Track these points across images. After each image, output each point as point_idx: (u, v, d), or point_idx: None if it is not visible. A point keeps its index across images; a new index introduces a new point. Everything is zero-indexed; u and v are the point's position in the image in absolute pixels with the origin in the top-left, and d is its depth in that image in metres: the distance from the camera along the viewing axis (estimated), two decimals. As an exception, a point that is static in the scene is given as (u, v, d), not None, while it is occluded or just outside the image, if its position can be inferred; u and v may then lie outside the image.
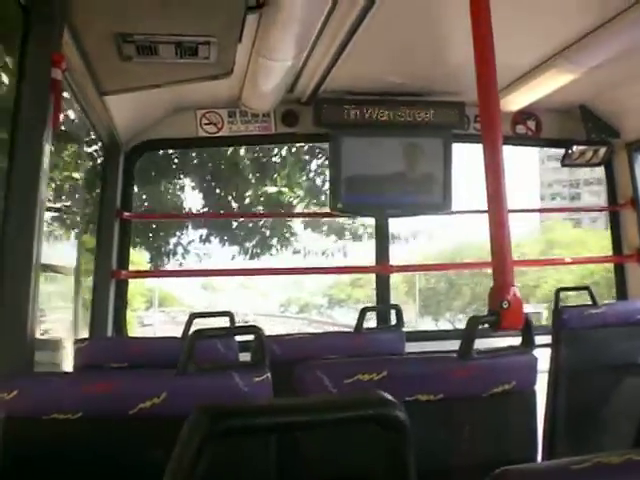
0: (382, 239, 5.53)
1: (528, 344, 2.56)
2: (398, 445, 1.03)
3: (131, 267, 5.29)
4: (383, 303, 5.39)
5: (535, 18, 3.80)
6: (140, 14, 3.22)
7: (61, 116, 3.04)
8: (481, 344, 2.58)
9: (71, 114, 4.69)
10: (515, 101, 5.19)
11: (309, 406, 0.99)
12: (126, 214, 5.11)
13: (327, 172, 5.13)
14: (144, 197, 11.60)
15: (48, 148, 2.88)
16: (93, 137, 4.82)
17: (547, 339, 3.99)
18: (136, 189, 5.24)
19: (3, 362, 2.72)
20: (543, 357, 3.93)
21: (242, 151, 11.60)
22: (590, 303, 4.14)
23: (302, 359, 2.46)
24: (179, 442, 0.94)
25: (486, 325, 2.51)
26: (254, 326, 2.68)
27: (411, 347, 4.08)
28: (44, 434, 2.23)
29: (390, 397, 1.03)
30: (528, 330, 2.55)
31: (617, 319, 4.05)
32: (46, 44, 2.89)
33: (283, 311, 38.44)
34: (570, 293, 4.72)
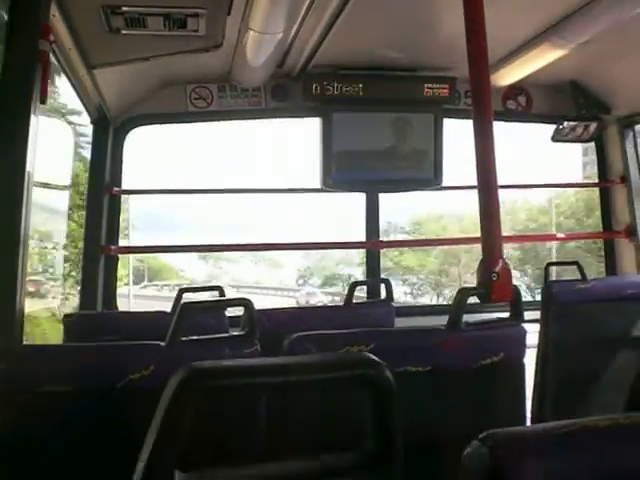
0: (372, 215, 5.52)
1: (517, 316, 2.57)
2: (384, 405, 1.03)
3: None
4: (373, 277, 5.39)
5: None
6: None
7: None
8: (472, 319, 2.60)
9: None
10: (506, 76, 5.17)
11: (295, 367, 0.99)
12: (115, 189, 5.08)
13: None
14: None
15: (36, 120, 2.85)
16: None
17: (537, 315, 4.02)
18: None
19: None
20: (533, 332, 3.98)
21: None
22: (579, 278, 4.16)
23: (291, 332, 2.46)
24: (162, 398, 0.94)
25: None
26: (243, 298, 2.68)
27: (401, 322, 4.09)
28: (34, 407, 2.23)
29: (376, 358, 1.04)
30: (517, 302, 2.56)
31: (606, 294, 4.07)
32: (33, 15, 2.85)
33: (302, 284, 34.46)
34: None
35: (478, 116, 2.64)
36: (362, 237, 5.53)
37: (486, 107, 2.64)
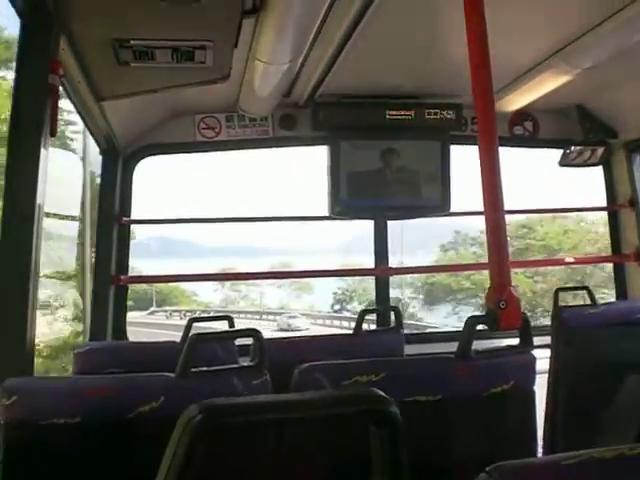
0: (381, 241, 5.53)
1: (526, 343, 2.56)
2: (391, 440, 1.03)
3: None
4: (383, 304, 5.39)
5: (531, 18, 3.80)
6: (136, 19, 3.22)
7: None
8: (482, 345, 2.59)
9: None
10: (512, 102, 5.20)
11: (302, 402, 1.00)
12: (125, 219, 5.11)
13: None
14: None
15: (46, 154, 2.89)
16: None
17: (547, 340, 4.00)
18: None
19: (3, 367, 2.72)
20: (543, 357, 3.96)
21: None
22: (589, 303, 4.14)
23: (301, 361, 2.46)
24: (173, 438, 0.94)
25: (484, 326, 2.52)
26: (253, 329, 2.69)
27: (411, 349, 4.08)
28: (43, 439, 2.23)
29: (382, 393, 1.04)
30: (526, 330, 2.55)
31: (617, 318, 4.05)
32: (43, 50, 2.89)
33: (339, 309, 31.32)
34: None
35: (484, 142, 2.65)
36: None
37: (491, 133, 2.65)
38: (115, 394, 2.29)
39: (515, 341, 2.66)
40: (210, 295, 33.55)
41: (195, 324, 3.88)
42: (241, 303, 34.26)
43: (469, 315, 2.52)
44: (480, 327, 2.56)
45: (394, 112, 5.22)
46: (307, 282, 32.58)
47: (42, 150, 2.86)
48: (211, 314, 26.61)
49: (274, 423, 1.01)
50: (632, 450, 1.12)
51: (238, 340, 3.77)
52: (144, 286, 30.03)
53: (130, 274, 5.30)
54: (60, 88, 3.38)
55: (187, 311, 31.25)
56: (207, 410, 0.96)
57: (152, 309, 32.57)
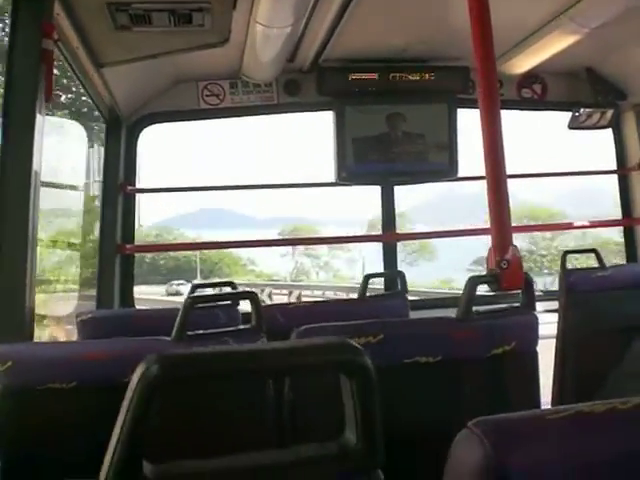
0: (388, 207, 5.49)
1: (528, 304, 2.53)
2: (362, 392, 1.00)
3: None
4: (390, 270, 5.36)
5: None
6: None
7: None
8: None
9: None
10: (520, 64, 5.12)
11: (265, 353, 0.97)
12: (129, 188, 5.09)
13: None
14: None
15: (41, 119, 2.86)
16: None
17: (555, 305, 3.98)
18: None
19: (2, 334, 2.72)
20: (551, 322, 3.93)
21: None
22: (597, 266, 4.10)
23: (304, 325, 2.44)
24: (128, 389, 0.93)
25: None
26: (250, 291, 2.67)
27: (417, 315, 4.05)
28: (39, 404, 2.23)
29: (353, 343, 1.01)
30: (528, 290, 2.53)
31: (625, 282, 4.02)
32: (36, 14, 2.86)
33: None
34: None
35: (485, 106, 2.62)
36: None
37: (493, 96, 2.62)
38: (111, 358, 2.28)
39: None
40: (273, 263, 31.18)
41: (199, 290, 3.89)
42: (321, 275, 31.51)
43: (470, 275, 2.49)
44: (484, 293, 2.55)
45: (400, 75, 5.15)
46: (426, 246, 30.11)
47: (37, 116, 2.83)
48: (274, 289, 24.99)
49: (232, 374, 0.98)
50: (625, 404, 1.09)
51: (244, 308, 3.76)
52: (188, 254, 29.15)
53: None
54: (58, 54, 3.36)
55: (261, 285, 27.80)
56: (162, 361, 0.93)
57: (196, 282, 29.97)
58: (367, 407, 1.02)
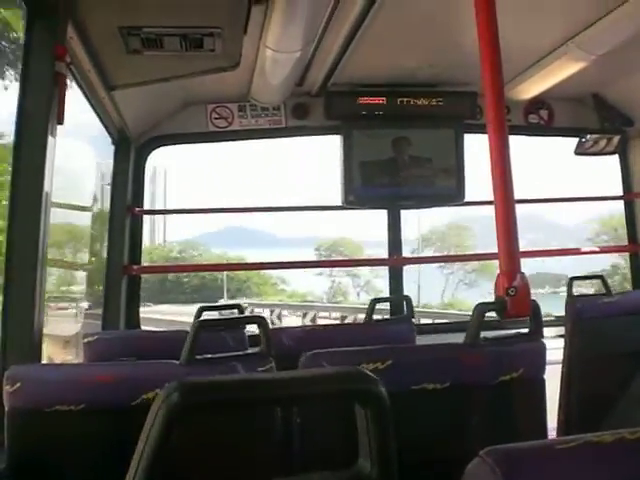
0: (394, 231, 5.50)
1: (536, 331, 2.53)
2: (377, 421, 1.01)
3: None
4: (396, 294, 5.36)
5: (545, 4, 3.76)
6: (144, 6, 3.22)
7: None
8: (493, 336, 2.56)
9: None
10: (527, 90, 5.15)
11: (283, 382, 0.98)
12: (137, 209, 5.11)
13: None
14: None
15: (53, 142, 2.88)
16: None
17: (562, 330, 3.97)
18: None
19: (11, 355, 2.73)
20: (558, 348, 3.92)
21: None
22: (604, 292, 4.10)
23: (310, 350, 2.44)
24: (149, 417, 0.93)
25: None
26: (258, 316, 2.68)
27: (423, 340, 4.05)
28: (48, 426, 2.23)
29: (368, 372, 1.01)
30: (536, 317, 2.52)
31: (632, 308, 4.00)
32: (49, 37, 2.89)
33: None
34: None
35: (493, 131, 2.63)
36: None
37: (501, 121, 2.63)
38: (119, 381, 2.29)
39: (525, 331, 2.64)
40: (308, 282, 29.74)
41: (206, 312, 3.88)
42: (362, 296, 29.59)
43: (478, 302, 2.50)
44: (492, 318, 2.55)
45: (408, 100, 5.18)
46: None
47: (49, 138, 2.85)
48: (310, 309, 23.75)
49: (253, 402, 0.99)
50: (634, 434, 1.09)
51: (251, 331, 3.76)
52: (216, 273, 28.47)
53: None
54: (70, 77, 3.39)
55: (271, 306, 26.67)
56: (183, 388, 0.94)
57: (222, 302, 27.84)
58: (382, 435, 1.02)
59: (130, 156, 5.02)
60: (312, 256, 27.40)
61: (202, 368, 2.36)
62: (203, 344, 2.56)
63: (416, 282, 25.41)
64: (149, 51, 3.53)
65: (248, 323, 3.31)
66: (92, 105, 4.18)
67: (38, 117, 2.84)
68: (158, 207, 31.29)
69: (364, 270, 29.80)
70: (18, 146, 2.84)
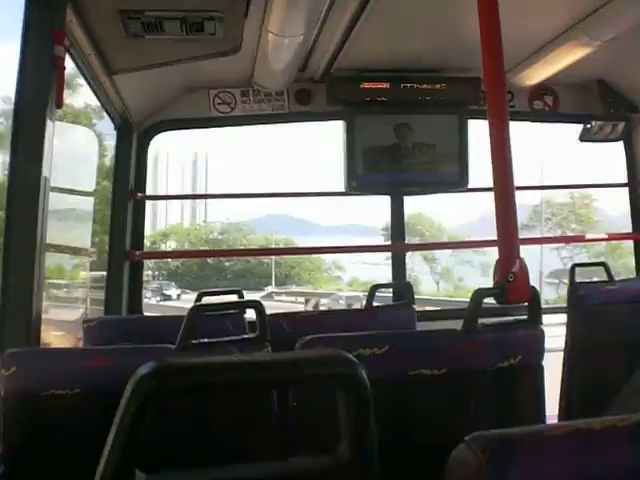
0: (398, 218, 5.48)
1: (535, 318, 2.52)
2: (358, 406, 1.00)
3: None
4: (399, 280, 5.35)
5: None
6: None
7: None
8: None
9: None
10: (531, 76, 5.11)
11: (259, 364, 0.97)
12: (139, 195, 5.10)
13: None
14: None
15: (52, 125, 2.87)
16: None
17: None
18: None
19: (10, 340, 2.73)
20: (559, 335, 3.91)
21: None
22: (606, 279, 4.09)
23: (309, 335, 2.44)
24: (123, 398, 0.92)
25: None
26: (255, 300, 2.68)
27: (423, 326, 4.04)
28: (43, 410, 2.23)
29: (350, 356, 1.00)
30: (535, 303, 2.51)
31: (633, 295, 4.00)
32: (48, 20, 2.87)
33: None
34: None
35: (493, 117, 2.62)
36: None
37: (501, 107, 2.62)
38: (114, 366, 2.29)
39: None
40: (369, 268, 25.26)
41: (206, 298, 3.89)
42: (441, 285, 26.81)
43: (477, 288, 2.49)
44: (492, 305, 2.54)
45: (411, 85, 5.15)
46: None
47: (48, 122, 2.84)
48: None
49: (229, 385, 0.98)
50: (624, 421, 1.08)
51: (250, 317, 3.77)
52: (263, 258, 26.75)
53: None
54: (71, 62, 3.37)
55: (325, 295, 24.71)
56: (156, 371, 0.93)
57: (270, 289, 26.81)
58: (361, 422, 1.01)
59: (132, 141, 5.01)
60: (380, 240, 24.96)
61: (197, 353, 2.36)
62: (202, 330, 2.56)
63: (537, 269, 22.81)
64: (150, 35, 3.51)
65: (245, 308, 3.31)
66: (93, 90, 4.17)
67: (37, 101, 2.83)
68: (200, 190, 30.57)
69: (443, 254, 26.47)
70: (16, 130, 2.83)
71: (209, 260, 26.36)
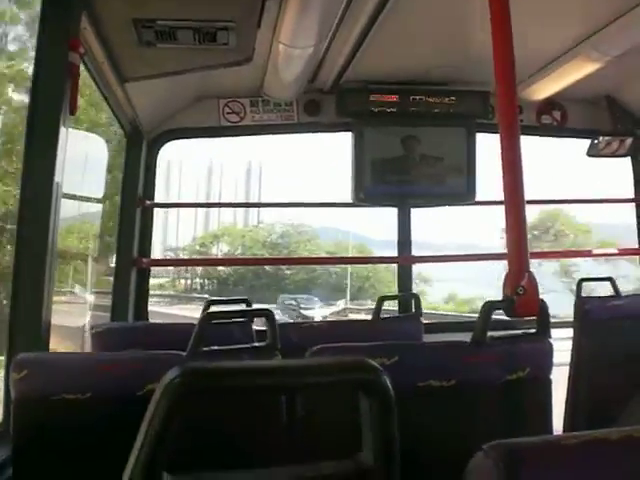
0: (404, 230, 5.49)
1: (544, 331, 2.53)
2: (381, 411, 1.01)
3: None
4: (405, 292, 5.35)
5: (560, 4, 3.74)
6: None
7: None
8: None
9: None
10: (540, 90, 5.13)
11: (289, 369, 0.98)
12: (148, 202, 5.12)
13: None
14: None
15: (65, 132, 2.89)
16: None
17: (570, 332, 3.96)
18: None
19: (20, 344, 2.74)
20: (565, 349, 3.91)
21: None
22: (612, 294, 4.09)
23: (317, 345, 2.45)
24: (152, 401, 0.93)
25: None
26: (266, 309, 2.68)
27: (430, 338, 4.04)
28: (54, 414, 2.24)
29: (373, 363, 1.01)
30: (544, 317, 2.52)
31: None
32: (63, 28, 2.89)
33: None
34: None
35: (505, 130, 2.62)
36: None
37: (512, 121, 2.62)
38: (125, 371, 2.29)
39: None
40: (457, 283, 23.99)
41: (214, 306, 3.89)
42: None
43: (486, 300, 2.49)
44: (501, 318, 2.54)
45: (420, 98, 5.18)
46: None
47: (61, 129, 2.86)
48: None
49: (255, 389, 0.99)
50: (639, 432, 1.08)
51: (258, 326, 3.77)
52: (334, 268, 25.04)
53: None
54: (83, 68, 3.39)
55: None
56: (185, 372, 0.94)
57: (343, 305, 24.44)
58: (386, 427, 1.02)
59: (142, 149, 5.03)
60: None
61: (207, 359, 2.37)
62: (210, 338, 2.57)
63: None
64: (162, 44, 3.53)
65: (256, 316, 3.32)
66: (105, 97, 4.19)
67: (50, 107, 2.85)
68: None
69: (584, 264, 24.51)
70: (29, 136, 2.85)
71: (267, 268, 24.86)
